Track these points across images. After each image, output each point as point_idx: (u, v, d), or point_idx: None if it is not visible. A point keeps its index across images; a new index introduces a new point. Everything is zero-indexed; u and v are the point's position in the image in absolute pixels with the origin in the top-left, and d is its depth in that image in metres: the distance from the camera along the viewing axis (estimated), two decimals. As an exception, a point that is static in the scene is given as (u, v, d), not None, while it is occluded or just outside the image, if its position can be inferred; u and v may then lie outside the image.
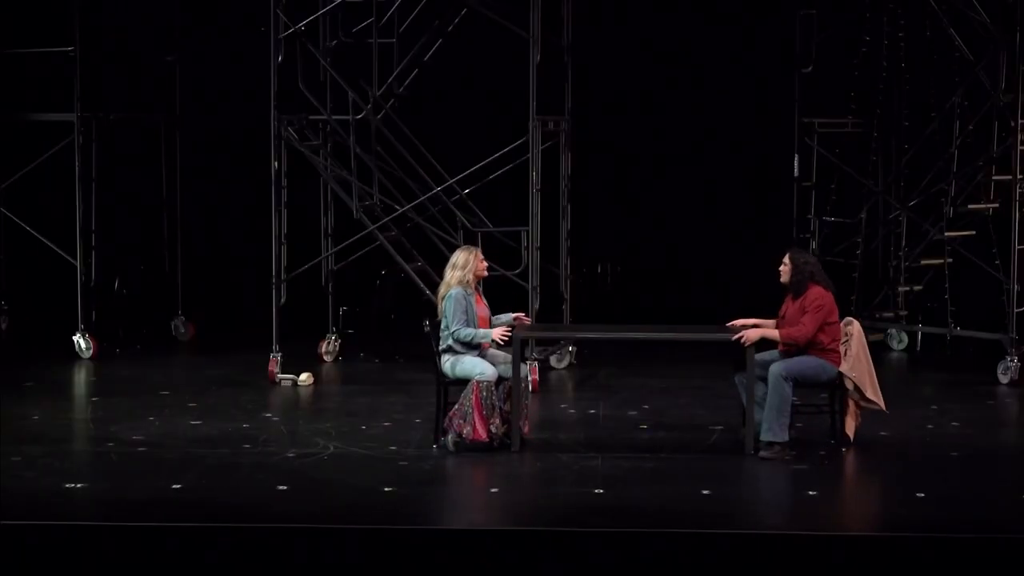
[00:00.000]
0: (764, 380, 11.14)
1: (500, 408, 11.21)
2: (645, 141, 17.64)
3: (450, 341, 11.25)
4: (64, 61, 15.25)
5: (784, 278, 11.31)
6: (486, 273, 11.48)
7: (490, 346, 11.33)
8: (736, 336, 11.13)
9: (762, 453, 11.06)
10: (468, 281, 11.31)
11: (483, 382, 11.13)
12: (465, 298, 11.27)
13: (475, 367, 11.17)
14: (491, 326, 11.38)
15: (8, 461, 10.74)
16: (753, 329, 11.17)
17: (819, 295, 11.18)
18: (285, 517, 9.44)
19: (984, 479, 10.63)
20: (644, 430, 12.06)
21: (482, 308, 11.41)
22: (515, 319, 11.58)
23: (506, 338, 11.22)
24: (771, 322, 11.34)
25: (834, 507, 10.18)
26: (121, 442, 11.52)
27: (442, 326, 11.33)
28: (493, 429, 11.17)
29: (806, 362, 11.14)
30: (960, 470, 10.87)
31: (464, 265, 11.34)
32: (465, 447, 11.12)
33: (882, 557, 8.88)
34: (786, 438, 11.05)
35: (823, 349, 11.16)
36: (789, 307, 11.30)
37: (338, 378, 14.52)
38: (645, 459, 11.02)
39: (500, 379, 11.24)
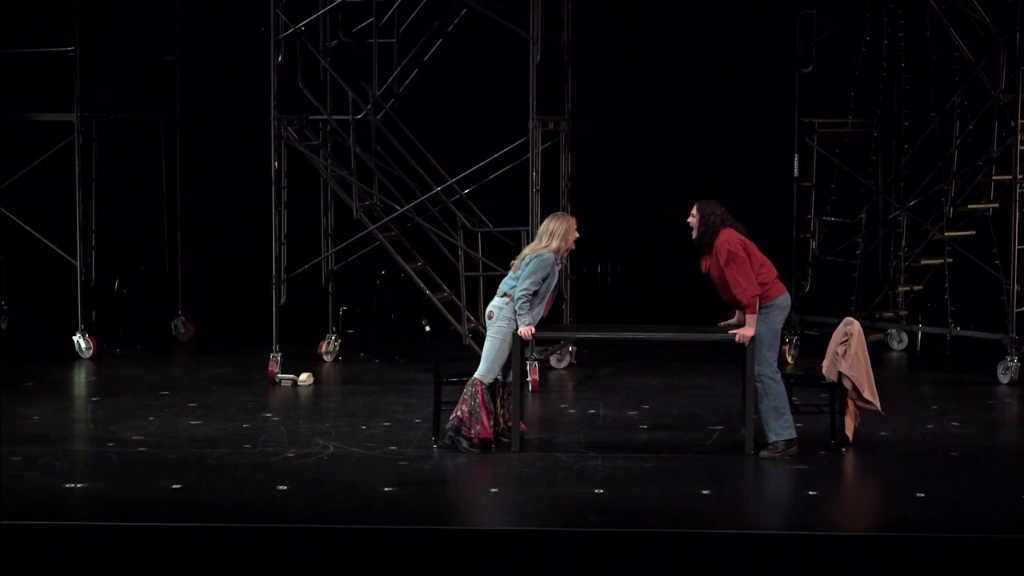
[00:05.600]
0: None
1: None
2: (645, 141, 17.63)
3: (511, 291, 11.14)
4: (64, 61, 15.25)
5: (696, 232, 11.14)
6: (575, 246, 11.40)
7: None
8: (731, 334, 11.11)
9: (762, 453, 11.06)
10: (562, 251, 11.22)
11: (485, 383, 11.14)
12: (552, 267, 11.14)
13: (496, 357, 11.13)
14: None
15: (8, 461, 10.75)
16: (746, 328, 11.10)
17: (721, 242, 11.01)
18: (285, 517, 9.44)
19: (984, 479, 10.63)
20: (644, 430, 12.06)
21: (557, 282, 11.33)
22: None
23: (526, 337, 11.19)
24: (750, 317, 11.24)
25: (834, 507, 10.18)
26: (121, 442, 11.53)
27: (512, 274, 11.21)
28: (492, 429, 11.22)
29: (761, 338, 11.06)
30: (960, 470, 10.88)
31: (563, 234, 11.21)
32: (474, 447, 11.12)
33: (882, 557, 8.88)
34: (790, 435, 11.04)
35: (760, 286, 11.07)
36: (710, 264, 11.14)
37: (338, 378, 14.52)
38: (645, 459, 11.02)
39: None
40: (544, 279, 11.12)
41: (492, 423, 11.18)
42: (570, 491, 10.16)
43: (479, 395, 11.12)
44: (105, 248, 15.84)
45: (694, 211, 11.17)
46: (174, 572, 8.92)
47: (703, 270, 11.24)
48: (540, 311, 11.22)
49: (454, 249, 14.35)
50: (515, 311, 11.11)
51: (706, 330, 11.76)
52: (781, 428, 11.04)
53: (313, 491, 10.10)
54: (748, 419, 11.16)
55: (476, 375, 11.18)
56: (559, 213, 11.59)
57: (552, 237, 11.19)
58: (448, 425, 11.22)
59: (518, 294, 11.08)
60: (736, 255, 10.99)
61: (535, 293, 11.10)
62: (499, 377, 11.27)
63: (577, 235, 11.34)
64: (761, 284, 11.05)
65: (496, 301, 11.25)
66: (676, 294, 17.24)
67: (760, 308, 11.03)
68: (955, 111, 15.32)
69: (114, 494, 10.06)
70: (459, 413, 11.17)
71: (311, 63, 14.60)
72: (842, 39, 15.92)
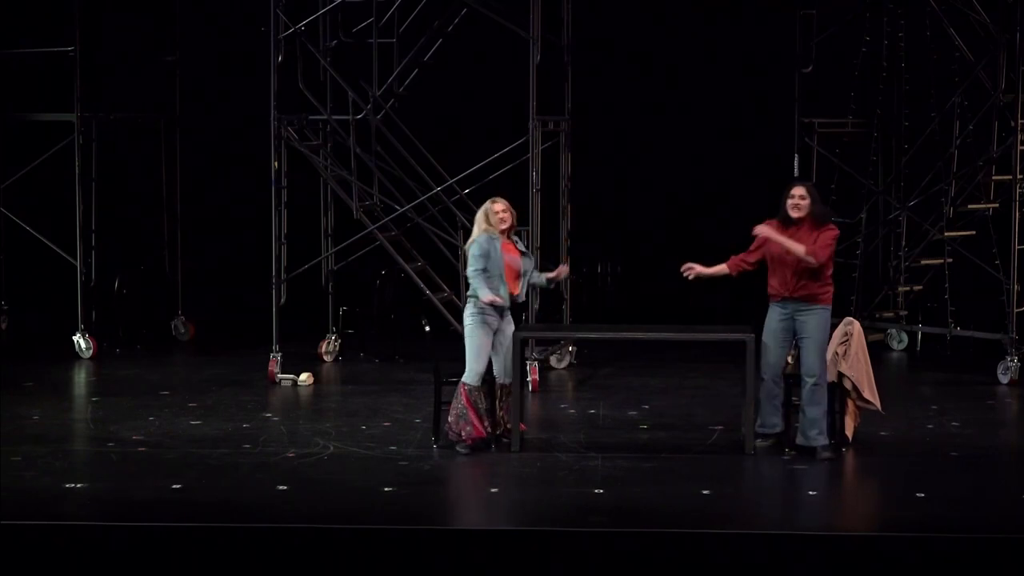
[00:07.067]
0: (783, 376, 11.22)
1: (487, 410, 11.21)
2: (645, 141, 17.63)
3: (471, 281, 11.25)
4: (64, 61, 15.25)
5: (803, 211, 11.05)
6: (506, 222, 11.32)
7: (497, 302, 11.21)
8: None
9: (824, 455, 10.99)
10: (492, 231, 11.25)
11: (470, 386, 11.13)
12: (488, 242, 11.21)
13: (473, 357, 11.15)
14: (524, 280, 11.33)
15: (8, 461, 10.75)
16: (767, 228, 11.10)
17: (835, 235, 11.09)
18: (285, 517, 9.44)
19: (984, 479, 10.63)
20: (644, 430, 12.06)
21: (512, 257, 11.30)
22: (555, 274, 11.55)
23: (489, 303, 11.16)
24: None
25: (834, 507, 10.18)
26: (121, 442, 11.53)
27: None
28: (487, 428, 11.19)
29: (823, 343, 11.09)
30: (960, 470, 10.88)
31: (484, 217, 11.30)
32: (468, 447, 11.12)
33: (882, 557, 8.88)
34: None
35: (825, 282, 11.10)
36: (800, 233, 11.04)
37: (338, 378, 14.53)
38: (645, 459, 11.02)
39: (489, 381, 11.27)
40: (483, 257, 11.16)
41: (486, 422, 11.15)
42: (570, 491, 10.16)
43: (462, 397, 11.14)
44: (105, 248, 15.84)
45: (804, 191, 11.10)
46: (174, 572, 8.92)
47: (758, 233, 11.17)
48: (503, 287, 11.19)
49: (454, 249, 14.36)
50: (472, 294, 11.21)
51: (706, 330, 11.76)
52: (827, 430, 11.06)
53: (313, 491, 10.10)
54: (748, 419, 11.16)
55: (462, 378, 11.22)
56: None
57: (478, 224, 11.33)
58: (445, 430, 11.25)
59: (469, 276, 11.26)
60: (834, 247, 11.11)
61: (484, 270, 11.16)
62: (498, 378, 11.28)
63: (497, 208, 11.29)
64: (830, 283, 11.16)
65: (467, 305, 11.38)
66: (676, 294, 17.23)
67: (824, 308, 11.06)
68: (955, 111, 15.33)
69: (114, 494, 10.06)
70: (449, 419, 11.20)
71: (311, 63, 14.61)
72: (842, 39, 15.92)
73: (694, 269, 11.37)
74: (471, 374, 11.19)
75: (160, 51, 16.23)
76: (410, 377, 14.19)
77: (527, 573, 8.93)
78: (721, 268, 11.42)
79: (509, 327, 11.28)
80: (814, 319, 11.06)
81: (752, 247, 11.31)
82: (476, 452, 11.11)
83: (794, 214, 11.09)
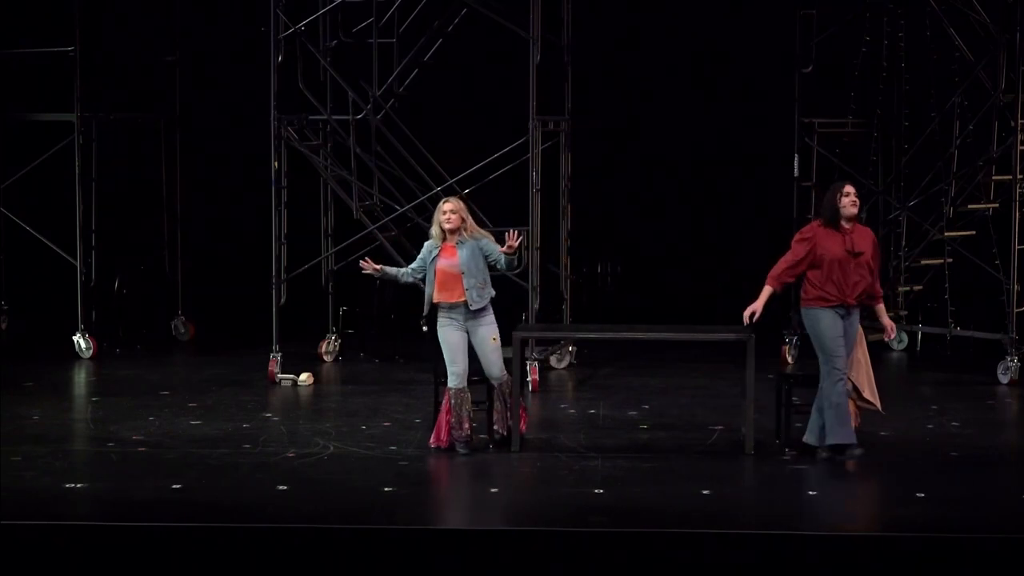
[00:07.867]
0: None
1: (469, 414, 11.16)
2: (645, 141, 17.62)
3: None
4: (64, 61, 15.25)
5: (858, 207, 10.97)
6: (450, 222, 11.16)
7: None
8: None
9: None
10: (437, 233, 11.23)
11: (452, 389, 11.11)
12: (430, 249, 11.23)
13: (447, 362, 11.12)
14: (471, 278, 11.16)
15: (8, 461, 10.75)
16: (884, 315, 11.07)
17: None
18: (285, 517, 9.44)
19: (984, 479, 10.63)
20: (644, 430, 12.06)
21: (448, 262, 11.13)
22: (507, 247, 11.12)
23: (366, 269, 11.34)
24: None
25: (834, 507, 10.18)
26: (121, 442, 11.53)
27: None
28: (457, 434, 11.09)
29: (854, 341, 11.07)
30: (960, 470, 10.88)
31: (435, 220, 11.30)
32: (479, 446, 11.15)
33: (882, 557, 8.88)
34: None
35: None
36: (850, 241, 10.89)
37: (338, 378, 14.53)
38: (645, 459, 11.02)
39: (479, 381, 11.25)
40: (422, 259, 11.22)
41: (465, 425, 11.05)
42: (570, 491, 10.16)
43: (445, 402, 11.14)
44: (105, 248, 15.84)
45: (855, 190, 11.01)
46: (174, 572, 8.92)
47: (810, 254, 10.92)
48: (431, 289, 11.14)
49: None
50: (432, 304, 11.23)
51: (706, 330, 11.75)
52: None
53: (313, 491, 10.10)
54: (748, 419, 11.16)
55: None
56: None
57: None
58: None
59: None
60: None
61: (420, 269, 11.25)
62: (491, 380, 11.26)
63: (445, 208, 11.18)
64: None
65: None
66: (676, 294, 17.24)
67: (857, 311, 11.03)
68: (955, 111, 15.31)
69: (114, 494, 10.06)
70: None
71: (311, 63, 14.60)
72: (842, 39, 15.91)
73: (756, 311, 10.99)
74: (448, 376, 11.18)
75: (160, 51, 16.23)
76: (410, 377, 14.19)
77: (527, 573, 8.93)
78: (768, 292, 11.01)
79: (483, 328, 11.16)
80: (857, 320, 11.03)
81: (800, 257, 10.93)
82: (475, 452, 11.12)
83: (854, 210, 10.94)
